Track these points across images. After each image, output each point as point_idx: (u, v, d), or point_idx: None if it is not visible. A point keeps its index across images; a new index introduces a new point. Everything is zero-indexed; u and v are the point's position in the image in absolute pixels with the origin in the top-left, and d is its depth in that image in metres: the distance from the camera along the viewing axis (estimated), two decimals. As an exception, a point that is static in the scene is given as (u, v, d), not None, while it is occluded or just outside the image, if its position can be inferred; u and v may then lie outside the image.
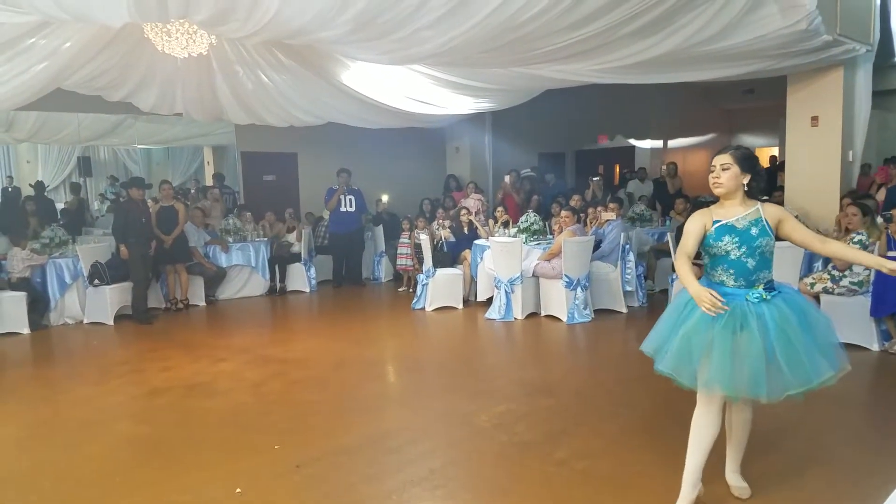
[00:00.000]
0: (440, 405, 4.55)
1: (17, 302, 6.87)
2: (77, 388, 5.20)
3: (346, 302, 8.53)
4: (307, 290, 9.02)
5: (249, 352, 5.96)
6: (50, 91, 6.58)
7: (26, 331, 6.88)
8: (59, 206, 10.86)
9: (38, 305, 7.13)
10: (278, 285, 8.98)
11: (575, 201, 8.35)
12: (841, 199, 6.80)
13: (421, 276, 7.75)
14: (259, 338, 6.58)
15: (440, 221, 8.54)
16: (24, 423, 4.41)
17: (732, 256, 2.75)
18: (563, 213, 6.97)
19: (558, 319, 6.79)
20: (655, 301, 7.58)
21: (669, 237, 7.24)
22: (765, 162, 12.78)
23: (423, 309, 7.55)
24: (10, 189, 11.60)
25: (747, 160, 2.75)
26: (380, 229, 9.69)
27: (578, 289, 6.71)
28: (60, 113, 9.33)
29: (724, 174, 2.75)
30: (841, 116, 6.90)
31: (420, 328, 7.02)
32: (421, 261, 8.03)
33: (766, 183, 2.69)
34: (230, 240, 8.79)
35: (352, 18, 4.52)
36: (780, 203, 7.55)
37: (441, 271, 7.66)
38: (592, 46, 5.37)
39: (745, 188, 2.75)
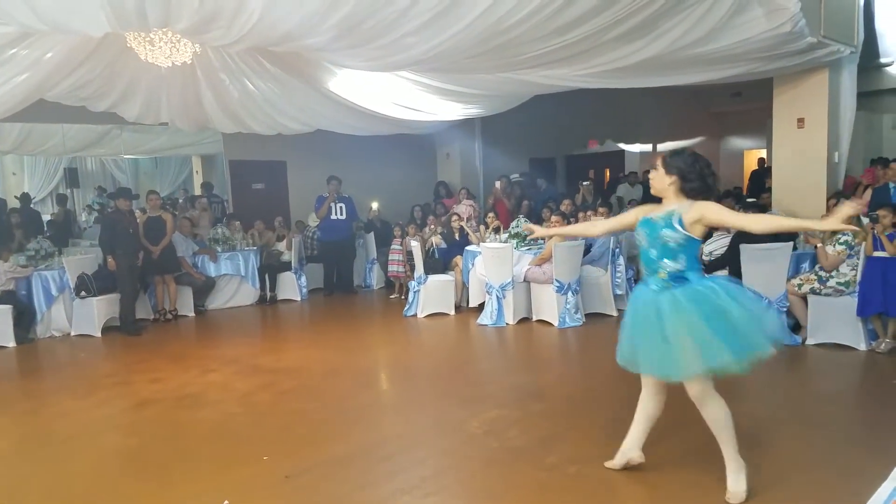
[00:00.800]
0: (432, 412, 4.52)
1: (2, 315, 6.77)
2: (64, 402, 5.13)
3: (338, 310, 8.48)
4: (298, 298, 8.97)
5: (239, 362, 5.91)
6: (33, 102, 6.52)
7: (12, 344, 6.79)
8: (46, 217, 10.75)
9: (24, 318, 7.04)
10: (269, 294, 8.92)
11: (565, 206, 8.36)
12: (827, 199, 6.84)
13: (412, 283, 7.72)
14: (249, 348, 6.52)
15: (431, 227, 8.52)
16: (9, 438, 4.34)
17: (643, 247, 3.07)
18: (554, 217, 6.98)
19: (550, 324, 6.78)
20: (646, 304, 7.57)
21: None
22: (752, 164, 12.87)
23: (416, 315, 7.52)
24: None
25: (672, 164, 2.98)
26: (371, 236, 9.66)
27: (569, 293, 6.70)
28: (45, 124, 9.24)
29: (653, 176, 3.07)
30: (826, 118, 6.95)
31: (412, 335, 6.98)
32: (412, 267, 8.00)
33: (701, 183, 2.94)
34: (219, 249, 8.73)
35: (336, 24, 4.51)
36: (767, 205, 7.61)
37: (433, 278, 7.63)
38: (578, 51, 5.38)
39: (681, 188, 2.96)
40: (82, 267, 7.36)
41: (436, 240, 8.13)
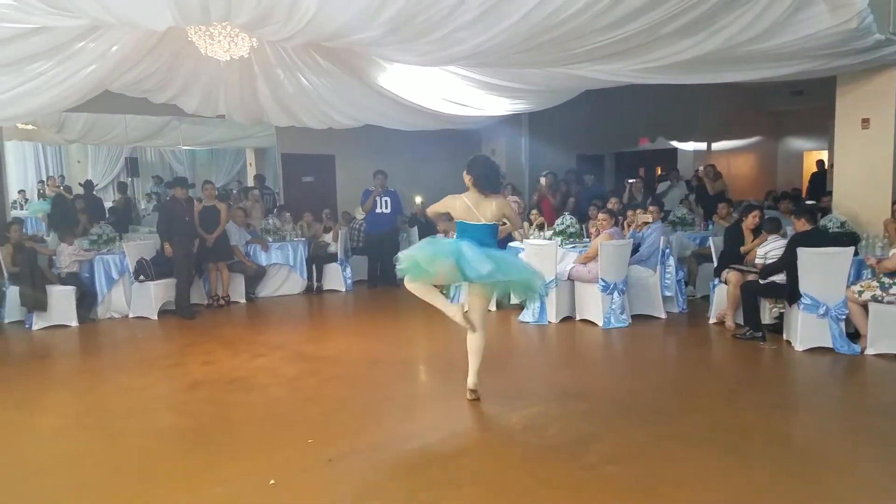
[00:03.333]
0: (470, 406, 4.54)
1: (66, 296, 7.14)
2: (121, 380, 5.38)
3: (381, 302, 8.58)
4: (343, 289, 9.13)
5: (286, 348, 6.07)
6: (98, 93, 6.82)
7: (74, 324, 7.14)
8: (108, 204, 11.24)
9: (86, 300, 7.39)
10: (315, 284, 9.11)
11: (612, 204, 8.23)
12: (893, 203, 6.55)
13: (455, 278, 7.74)
14: (296, 335, 6.68)
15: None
16: (70, 413, 4.58)
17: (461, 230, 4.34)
18: (600, 215, 6.88)
19: (594, 324, 6.71)
20: (696, 307, 7.42)
21: (711, 242, 7.08)
22: (813, 166, 12.40)
23: (457, 310, 7.54)
24: (61, 188, 12.08)
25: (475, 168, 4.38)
26: (414, 230, 9.74)
27: (615, 293, 6.61)
28: (109, 115, 9.65)
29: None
30: (894, 118, 6.63)
31: (452, 329, 6.94)
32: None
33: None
34: (270, 239, 8.96)
35: (388, 20, 4.57)
36: (827, 208, 7.36)
37: (476, 273, 7.63)
38: (632, 46, 5.30)
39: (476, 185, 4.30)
40: (141, 252, 7.67)
41: (480, 235, 8.11)
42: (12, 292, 7.14)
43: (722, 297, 6.52)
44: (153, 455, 3.78)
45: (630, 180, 9.95)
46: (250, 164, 14.34)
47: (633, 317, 6.82)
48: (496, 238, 4.40)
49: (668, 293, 7.06)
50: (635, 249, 6.95)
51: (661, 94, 9.19)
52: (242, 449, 3.82)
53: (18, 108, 6.56)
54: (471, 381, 4.48)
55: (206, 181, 8.75)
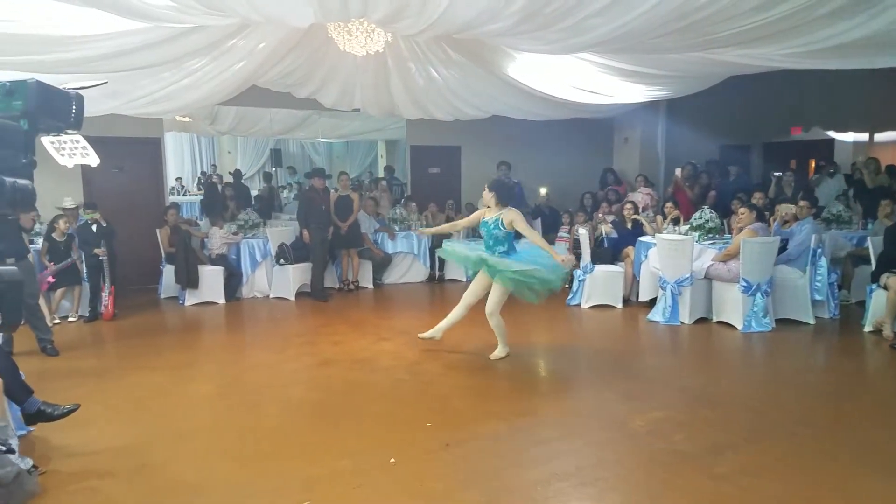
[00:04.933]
0: (592, 404, 4.43)
1: (216, 276, 7.82)
2: (260, 355, 5.81)
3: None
4: (464, 279, 9.20)
5: (409, 333, 6.23)
6: (246, 88, 7.37)
7: (222, 301, 7.81)
8: (254, 192, 12.16)
9: (233, 280, 8.05)
10: (437, 273, 9.29)
11: (757, 198, 7.62)
12: None
13: (578, 272, 7.56)
14: (418, 321, 6.83)
15: (601, 216, 8.27)
16: (213, 383, 5.01)
17: (483, 235, 5.32)
18: (741, 210, 6.40)
19: (732, 327, 6.27)
20: (850, 313, 6.71)
21: (870, 242, 6.36)
22: None
23: (579, 305, 7.37)
24: (213, 176, 13.25)
25: (494, 187, 5.28)
26: (538, 223, 9.62)
27: (758, 294, 6.13)
28: (256, 108, 10.40)
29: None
30: None
31: (575, 324, 6.86)
32: (578, 256, 7.84)
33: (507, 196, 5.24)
34: (396, 228, 9.25)
35: (519, 10, 4.50)
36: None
37: (600, 267, 7.42)
38: (781, 29, 4.82)
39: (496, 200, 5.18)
40: (282, 237, 8.23)
41: (606, 228, 7.86)
42: (168, 271, 7.93)
43: (880, 303, 5.84)
44: (286, 426, 4.04)
45: (777, 173, 9.13)
46: (381, 155, 14.92)
47: (778, 321, 6.28)
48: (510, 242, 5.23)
49: (818, 297, 6.43)
50: (783, 248, 6.39)
51: (817, 78, 8.33)
52: (366, 425, 3.99)
53: (178, 102, 7.25)
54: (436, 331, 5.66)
55: (342, 172, 9.20)
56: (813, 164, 11.67)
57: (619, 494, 3.14)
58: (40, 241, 6.90)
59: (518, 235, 5.19)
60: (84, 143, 2.45)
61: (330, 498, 3.08)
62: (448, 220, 9.57)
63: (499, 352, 5.39)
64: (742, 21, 4.66)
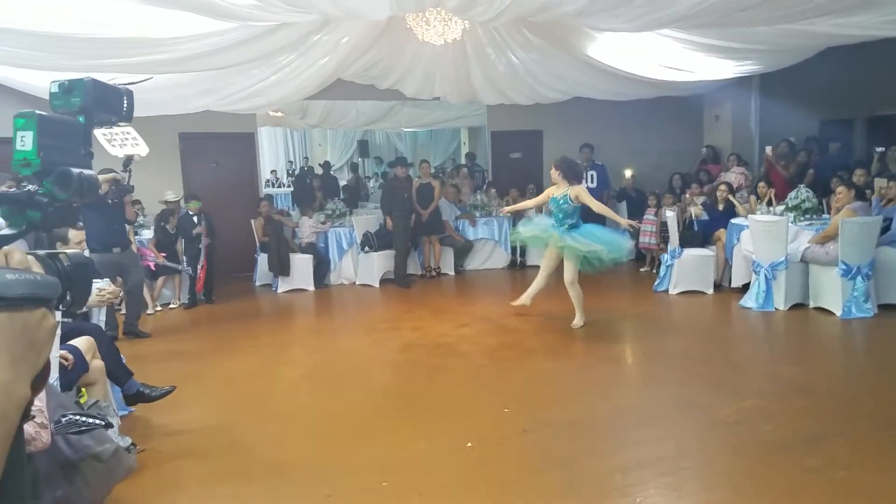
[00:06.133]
0: (678, 392, 4.31)
1: (305, 263, 8.18)
2: (346, 339, 6.06)
3: (585, 279, 8.29)
4: (545, 263, 9.14)
5: (489, 320, 6.30)
6: (332, 81, 7.62)
7: (311, 288, 8.17)
8: (342, 183, 12.57)
9: (322, 267, 8.39)
10: (519, 259, 9.27)
11: (858, 175, 7.08)
12: None
13: (665, 256, 7.33)
14: (499, 307, 6.88)
15: (690, 197, 7.95)
16: (303, 366, 5.28)
17: (553, 210, 5.77)
18: (839, 188, 5.98)
19: (831, 313, 5.90)
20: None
21: None
22: None
23: (667, 291, 7.15)
24: (305, 168, 13.79)
25: (561, 165, 5.72)
26: (623, 206, 9.38)
27: (858, 278, 5.73)
28: (342, 101, 10.71)
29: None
30: None
31: (662, 311, 6.67)
32: (666, 240, 7.59)
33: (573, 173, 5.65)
34: (477, 214, 9.29)
35: (596, -13, 4.41)
36: None
37: (689, 251, 7.15)
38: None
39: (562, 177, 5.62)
40: (367, 226, 8.48)
41: (696, 210, 7.55)
42: (262, 259, 8.37)
43: None
44: (369, 409, 4.21)
45: (879, 148, 8.39)
46: (464, 143, 14.98)
47: (881, 307, 5.85)
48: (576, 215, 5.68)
49: (927, 281, 5.93)
50: (886, 228, 5.92)
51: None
52: (445, 410, 4.09)
53: (269, 97, 7.62)
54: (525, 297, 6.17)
55: (423, 160, 9.35)
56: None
57: (700, 484, 3.07)
58: (143, 232, 7.44)
59: (586, 210, 5.73)
60: (134, 133, 2.65)
61: (407, 481, 3.18)
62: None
63: (577, 321, 5.80)
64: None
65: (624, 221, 5.71)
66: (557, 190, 5.69)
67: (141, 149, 2.81)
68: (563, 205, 5.61)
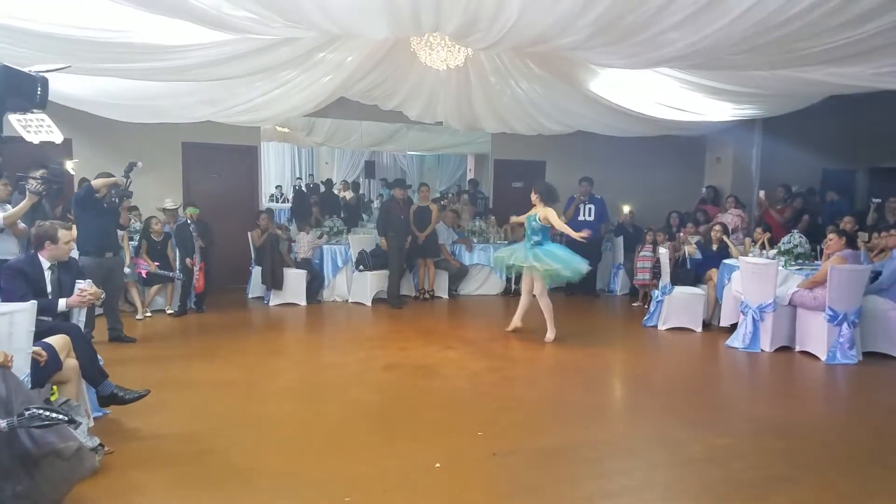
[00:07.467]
0: (651, 426, 4.30)
1: (299, 278, 8.22)
2: (331, 356, 6.08)
3: (576, 310, 8.44)
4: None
5: (475, 344, 6.31)
6: (336, 99, 7.74)
7: (303, 303, 8.20)
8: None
9: (315, 283, 8.44)
10: (513, 287, 9.28)
11: (845, 223, 7.11)
12: None
13: (656, 292, 7.35)
14: (487, 333, 6.89)
15: (684, 236, 7.98)
16: (285, 379, 5.27)
17: (526, 227, 6.60)
18: (831, 235, 6.01)
19: (815, 357, 5.89)
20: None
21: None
22: None
23: (656, 326, 7.15)
24: (310, 185, 13.91)
25: (539, 189, 6.52)
26: (620, 241, 9.42)
27: (845, 325, 5.74)
28: (348, 121, 10.85)
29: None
30: None
31: (648, 345, 6.67)
32: (656, 275, 7.61)
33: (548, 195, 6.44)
34: (474, 240, 9.35)
35: (592, 22, 4.49)
36: None
37: (680, 289, 7.17)
38: (878, 45, 4.53)
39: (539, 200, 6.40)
40: (363, 245, 8.54)
41: (689, 249, 7.59)
42: (256, 271, 8.43)
43: None
44: (343, 424, 4.21)
45: (876, 199, 8.42)
46: (470, 169, 15.10)
47: (865, 354, 5.87)
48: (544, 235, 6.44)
49: (914, 331, 5.92)
50: (875, 277, 5.94)
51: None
52: (418, 430, 4.10)
53: (271, 111, 7.73)
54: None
55: (422, 183, 9.43)
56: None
57: (661, 519, 3.06)
58: (138, 237, 7.48)
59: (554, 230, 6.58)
60: (48, 121, 2.71)
61: (371, 497, 3.18)
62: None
63: (549, 335, 6.40)
64: (828, 38, 4.43)
65: (576, 234, 6.24)
66: (534, 210, 6.43)
67: (55, 136, 2.86)
68: (533, 223, 6.38)
